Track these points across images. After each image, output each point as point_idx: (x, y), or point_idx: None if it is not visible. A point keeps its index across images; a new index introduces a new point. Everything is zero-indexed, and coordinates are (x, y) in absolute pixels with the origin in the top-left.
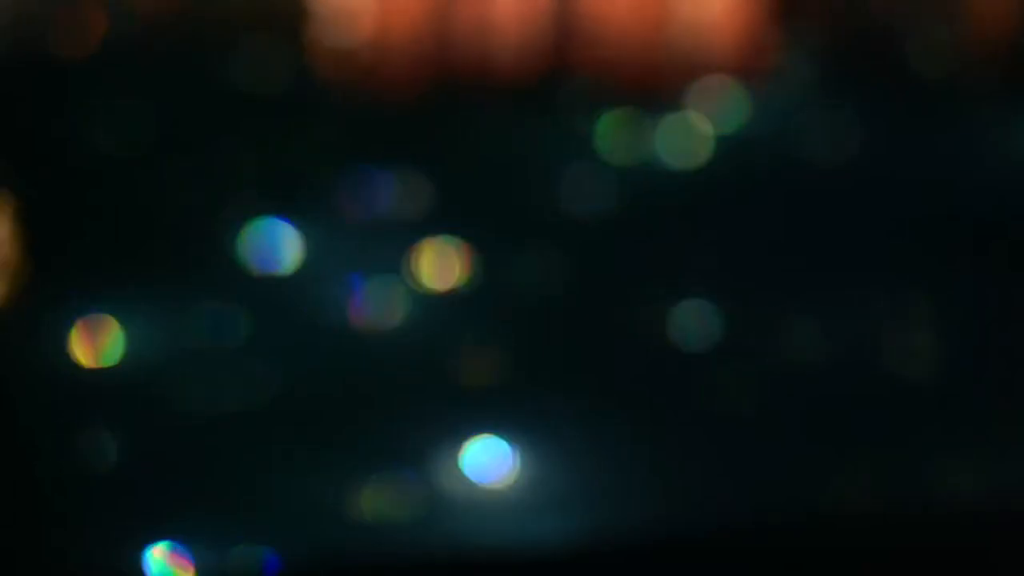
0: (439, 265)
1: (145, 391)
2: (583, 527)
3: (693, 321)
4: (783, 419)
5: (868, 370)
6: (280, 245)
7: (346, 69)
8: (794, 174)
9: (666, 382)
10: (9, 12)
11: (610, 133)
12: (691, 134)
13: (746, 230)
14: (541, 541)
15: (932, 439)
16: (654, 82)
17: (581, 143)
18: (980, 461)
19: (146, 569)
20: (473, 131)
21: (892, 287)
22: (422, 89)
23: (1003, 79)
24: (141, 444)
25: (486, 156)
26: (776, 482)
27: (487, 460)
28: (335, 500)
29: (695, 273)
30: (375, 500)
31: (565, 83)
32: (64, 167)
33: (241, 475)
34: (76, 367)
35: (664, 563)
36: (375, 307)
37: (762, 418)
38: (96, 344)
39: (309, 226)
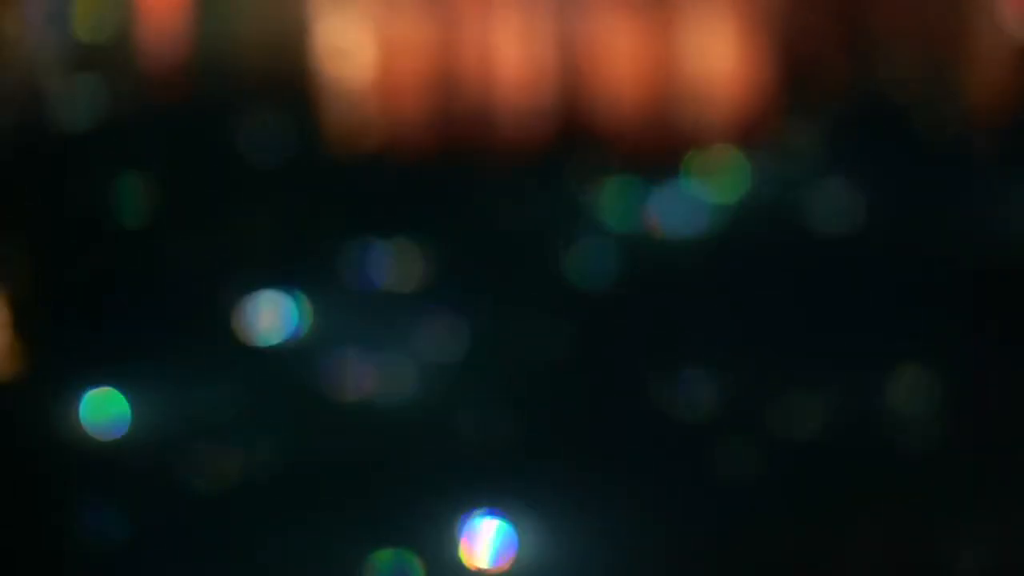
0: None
1: (148, 464)
2: None
3: (696, 391)
4: (787, 490)
5: (873, 441)
6: (284, 317)
7: (350, 141)
8: (797, 243)
9: (669, 454)
10: (17, 86)
11: (612, 202)
12: (693, 203)
13: (749, 299)
14: None
15: (937, 511)
16: (657, 151)
17: (584, 212)
18: (986, 534)
19: None
20: (476, 202)
21: (897, 356)
22: (425, 160)
23: (1008, 147)
24: (143, 517)
25: (488, 226)
26: (781, 553)
27: (489, 538)
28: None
29: (698, 343)
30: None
31: (568, 153)
32: (69, 239)
33: (243, 548)
34: (81, 440)
35: None
36: (379, 379)
37: (766, 489)
38: (103, 417)
39: (314, 298)
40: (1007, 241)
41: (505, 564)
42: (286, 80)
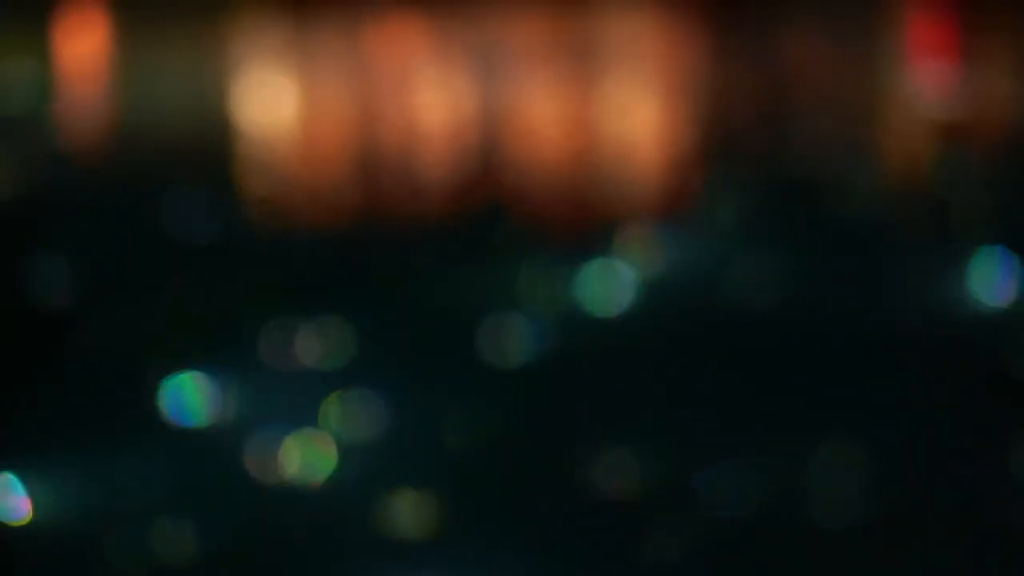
0: (360, 415)
1: (68, 547)
2: None
3: (621, 468)
4: (715, 568)
5: (798, 516)
6: (207, 397)
7: (272, 217)
8: (720, 318)
9: (595, 531)
10: None
11: (537, 277)
12: (617, 278)
13: (675, 376)
14: None
15: None
16: (580, 228)
17: (507, 290)
18: None
19: None
20: (399, 278)
21: (819, 430)
22: (348, 236)
23: (925, 224)
24: None
25: (412, 303)
26: None
27: None
28: None
29: (624, 420)
30: None
31: (491, 230)
32: None
33: None
34: None
35: None
36: (300, 459)
37: (694, 567)
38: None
39: (236, 377)
40: (927, 312)
41: None
42: (209, 154)
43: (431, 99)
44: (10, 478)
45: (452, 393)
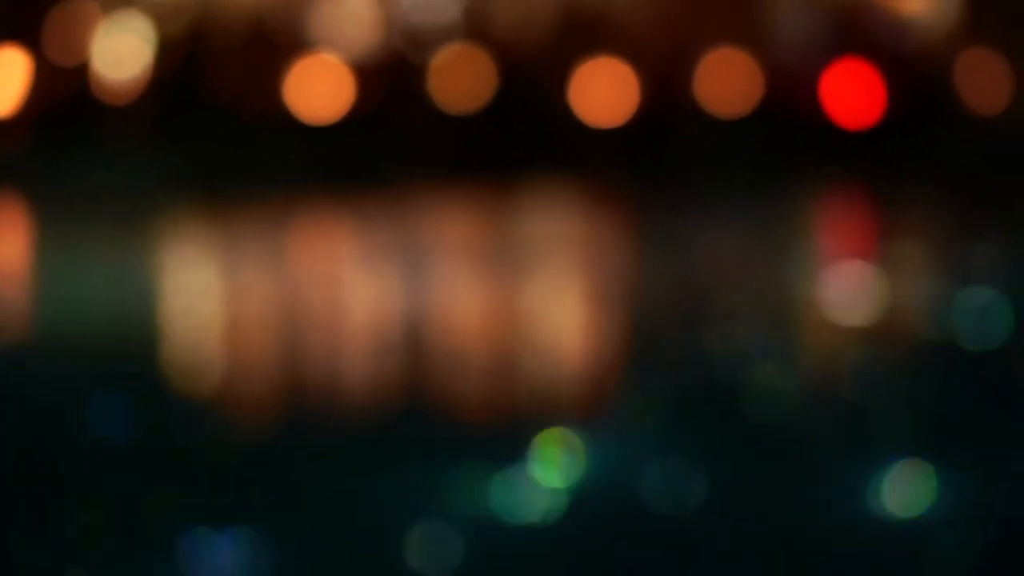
0: None
1: None
2: None
3: None
4: None
5: None
6: None
7: (194, 420)
8: (639, 526)
9: None
10: None
11: (457, 485)
12: (536, 486)
13: None
14: None
15: None
16: (497, 434)
17: (427, 498)
18: None
19: None
20: (319, 486)
21: None
22: (270, 440)
23: (839, 430)
24: None
25: (332, 514)
26: None
27: None
28: None
29: None
30: None
31: (410, 435)
32: None
33: None
34: None
35: None
36: None
37: None
38: None
39: None
40: (850, 520)
41: None
42: (132, 357)
43: (356, 299)
44: None
45: None
